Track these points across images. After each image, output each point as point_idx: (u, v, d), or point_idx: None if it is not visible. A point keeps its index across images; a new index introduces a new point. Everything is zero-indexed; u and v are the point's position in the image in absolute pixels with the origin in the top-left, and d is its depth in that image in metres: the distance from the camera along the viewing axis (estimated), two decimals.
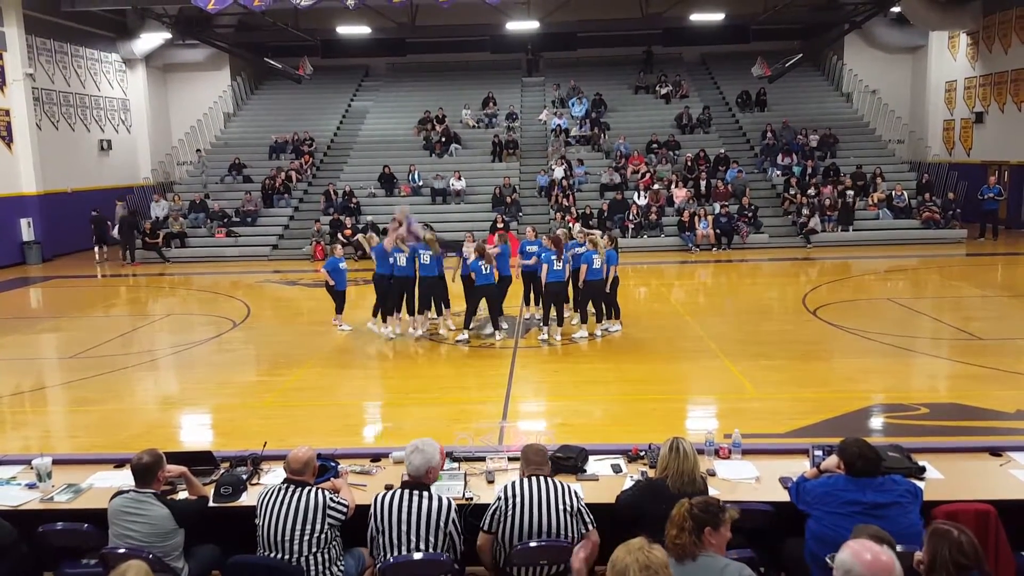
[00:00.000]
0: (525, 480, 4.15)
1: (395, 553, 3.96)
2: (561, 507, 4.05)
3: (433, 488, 4.16)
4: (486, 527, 4.15)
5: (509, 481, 4.22)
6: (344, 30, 23.51)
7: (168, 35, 23.89)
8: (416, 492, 4.06)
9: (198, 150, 25.23)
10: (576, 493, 4.19)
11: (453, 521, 4.06)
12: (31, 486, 4.77)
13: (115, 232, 20.82)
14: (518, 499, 4.06)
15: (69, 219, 21.49)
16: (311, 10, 18.92)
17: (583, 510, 4.11)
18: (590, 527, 4.10)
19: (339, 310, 11.82)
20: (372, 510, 4.09)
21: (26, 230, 20.38)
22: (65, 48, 22.43)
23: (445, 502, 4.07)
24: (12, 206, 19.99)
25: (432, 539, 3.97)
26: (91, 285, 17.81)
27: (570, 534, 4.05)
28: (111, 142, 24.30)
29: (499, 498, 4.14)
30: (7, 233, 19.91)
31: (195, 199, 22.10)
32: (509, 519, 4.05)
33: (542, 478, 4.15)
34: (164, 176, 25.38)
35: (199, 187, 23.26)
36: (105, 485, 4.76)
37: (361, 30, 23.26)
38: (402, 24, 22.44)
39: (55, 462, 4.89)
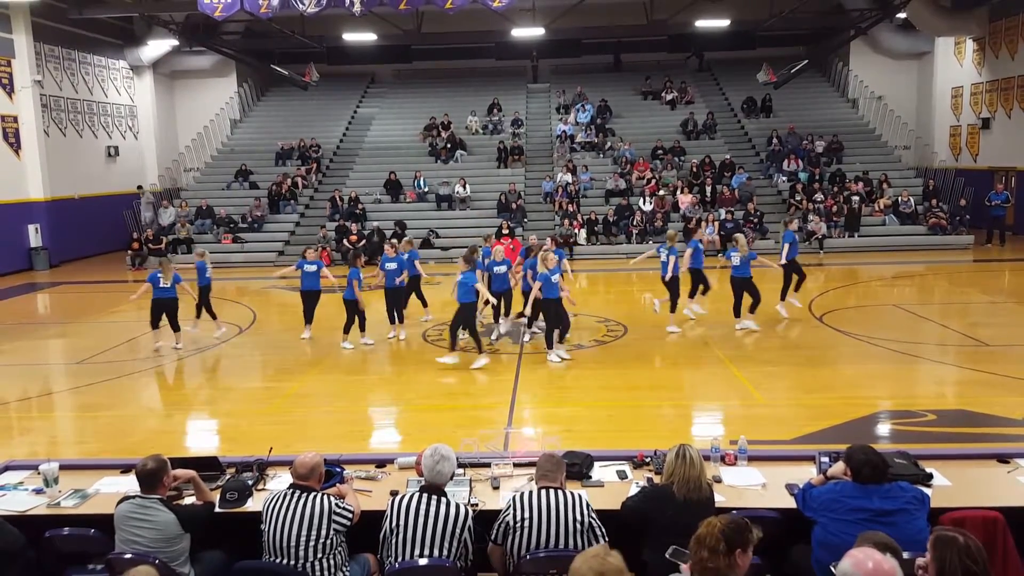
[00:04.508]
0: (535, 493, 4.07)
1: (406, 555, 3.95)
2: (572, 522, 3.97)
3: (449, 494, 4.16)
4: (495, 538, 4.10)
5: (518, 492, 4.16)
6: (350, 37, 23.60)
7: (175, 42, 24.03)
8: (435, 497, 4.06)
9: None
10: (588, 505, 4.08)
11: (469, 529, 4.05)
12: (38, 491, 4.79)
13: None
14: (527, 513, 4.00)
15: (76, 225, 21.62)
16: (317, 17, 19.02)
17: (595, 524, 4.03)
18: (601, 541, 3.99)
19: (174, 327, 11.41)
20: (388, 511, 4.08)
21: (34, 236, 20.47)
22: (73, 55, 22.57)
23: (463, 510, 4.06)
24: (20, 212, 20.08)
25: (447, 545, 3.96)
26: (98, 291, 17.85)
27: (582, 548, 3.96)
28: (118, 148, 24.41)
29: (507, 510, 4.08)
30: (15, 239, 20.02)
31: (202, 205, 22.18)
32: (518, 534, 3.99)
33: (552, 491, 4.08)
34: (171, 182, 25.49)
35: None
36: (111, 491, 4.77)
37: (367, 37, 23.35)
38: (408, 31, 22.54)
39: (62, 467, 4.90)
